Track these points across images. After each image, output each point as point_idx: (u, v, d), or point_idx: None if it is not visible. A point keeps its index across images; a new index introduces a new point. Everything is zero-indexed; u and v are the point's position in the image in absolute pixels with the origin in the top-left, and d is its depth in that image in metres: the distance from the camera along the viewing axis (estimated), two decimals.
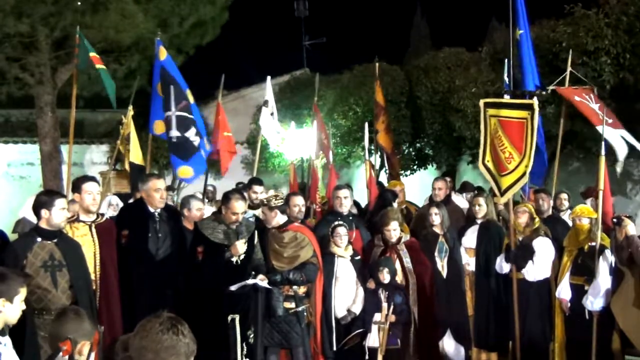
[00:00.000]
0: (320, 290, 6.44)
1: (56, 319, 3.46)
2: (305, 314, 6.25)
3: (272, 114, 9.24)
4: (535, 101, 6.31)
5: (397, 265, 6.46)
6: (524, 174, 6.17)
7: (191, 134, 7.52)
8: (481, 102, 6.46)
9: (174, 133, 7.51)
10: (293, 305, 6.11)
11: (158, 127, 8.07)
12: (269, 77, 9.42)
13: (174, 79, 7.70)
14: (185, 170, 7.54)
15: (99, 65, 7.94)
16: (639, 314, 5.60)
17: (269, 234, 6.23)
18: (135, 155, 8.24)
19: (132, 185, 7.77)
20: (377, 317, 6.21)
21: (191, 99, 7.70)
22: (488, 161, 6.38)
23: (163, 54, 7.93)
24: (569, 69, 8.26)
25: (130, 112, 7.88)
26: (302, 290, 6.17)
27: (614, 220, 5.81)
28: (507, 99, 6.48)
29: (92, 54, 7.99)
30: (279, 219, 6.23)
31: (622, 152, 7.53)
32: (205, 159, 7.72)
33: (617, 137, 7.53)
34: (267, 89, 9.33)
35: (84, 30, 11.16)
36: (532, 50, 7.03)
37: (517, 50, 6.91)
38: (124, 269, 5.68)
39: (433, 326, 6.59)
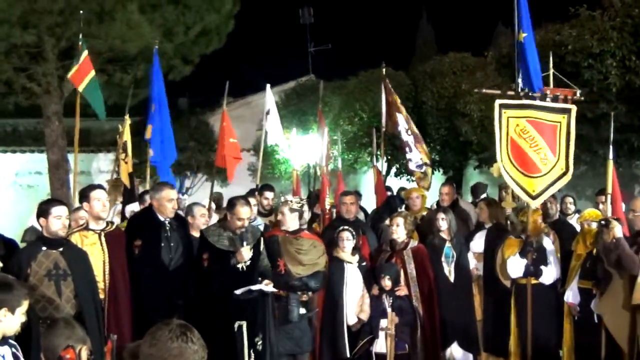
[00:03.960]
0: (321, 297, 6.50)
1: (47, 331, 3.46)
2: (314, 319, 6.32)
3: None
4: (573, 107, 6.24)
5: (401, 272, 6.46)
6: (562, 175, 6.12)
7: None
8: (496, 103, 6.25)
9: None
10: (305, 311, 6.18)
11: (149, 132, 8.23)
12: (268, 86, 9.41)
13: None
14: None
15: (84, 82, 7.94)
16: (626, 315, 5.60)
17: (282, 239, 6.23)
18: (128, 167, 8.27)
19: (126, 194, 7.76)
20: (383, 323, 6.21)
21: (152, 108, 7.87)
22: (506, 164, 6.17)
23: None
24: (552, 70, 8.22)
25: (127, 121, 7.90)
26: (311, 295, 6.24)
27: (602, 222, 5.79)
28: (536, 102, 6.35)
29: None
30: (295, 223, 6.27)
31: None
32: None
33: None
34: (268, 98, 9.32)
35: (91, 40, 11.25)
36: (536, 53, 7.02)
37: (522, 53, 6.89)
38: (136, 279, 5.66)
39: (435, 334, 6.56)
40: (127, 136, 7.73)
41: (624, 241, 5.50)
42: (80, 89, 7.92)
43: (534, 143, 6.13)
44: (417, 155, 8.90)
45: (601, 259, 6.03)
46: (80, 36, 8.11)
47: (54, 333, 3.38)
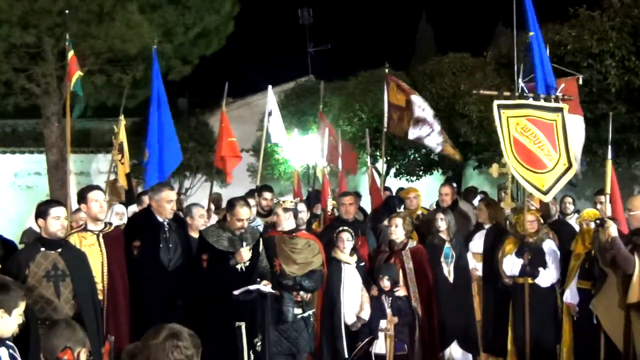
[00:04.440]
0: (320, 297, 6.50)
1: (48, 331, 3.45)
2: (311, 319, 6.32)
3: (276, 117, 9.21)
4: (565, 105, 6.37)
5: (400, 272, 6.46)
6: (566, 170, 6.20)
7: None
8: (495, 104, 6.28)
9: None
10: (300, 311, 6.18)
11: None
12: (270, 87, 9.39)
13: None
14: None
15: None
16: (620, 314, 5.63)
17: (278, 239, 6.24)
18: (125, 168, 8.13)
19: (126, 195, 7.68)
20: (383, 324, 6.21)
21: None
22: (512, 162, 6.18)
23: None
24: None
25: (122, 121, 7.81)
26: (308, 296, 6.23)
27: (597, 221, 5.81)
28: (531, 101, 6.41)
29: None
30: (290, 222, 6.27)
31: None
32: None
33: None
34: (270, 99, 9.31)
35: (90, 40, 11.25)
36: (545, 52, 7.08)
37: (529, 52, 6.95)
38: (135, 280, 5.66)
39: (434, 334, 6.56)
40: (122, 137, 7.63)
41: (620, 240, 5.51)
42: (71, 87, 7.83)
43: (537, 140, 6.22)
44: (436, 139, 8.61)
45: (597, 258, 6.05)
46: (67, 36, 7.97)
47: (55, 334, 3.38)
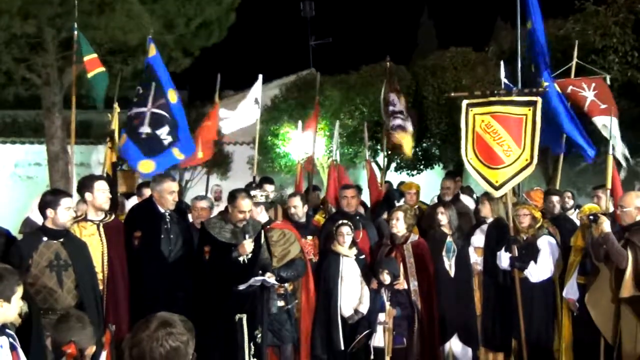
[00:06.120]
0: (309, 289, 6.54)
1: (59, 324, 3.44)
2: (294, 310, 6.40)
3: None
4: (539, 99, 6.40)
5: (401, 266, 6.46)
6: (526, 166, 6.32)
7: (163, 132, 7.43)
8: (464, 103, 6.48)
9: (145, 129, 7.37)
10: (283, 303, 6.26)
11: None
12: (260, 76, 9.39)
13: (157, 77, 7.66)
14: (146, 164, 7.24)
15: (95, 71, 7.72)
16: (611, 308, 5.66)
17: None
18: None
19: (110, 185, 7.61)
20: (382, 317, 6.21)
21: (172, 99, 7.63)
22: (471, 158, 6.45)
23: (152, 51, 7.87)
24: (575, 60, 8.25)
25: (117, 110, 7.78)
26: (290, 287, 6.32)
27: (590, 217, 5.83)
28: (501, 97, 6.46)
29: (88, 58, 7.79)
30: (263, 216, 6.30)
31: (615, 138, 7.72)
32: (173, 157, 7.59)
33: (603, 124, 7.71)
34: (257, 87, 9.29)
35: (91, 31, 11.20)
36: (544, 42, 7.11)
37: (530, 42, 6.97)
38: (135, 270, 5.66)
39: (434, 329, 6.56)
40: (115, 125, 7.61)
41: (613, 236, 5.53)
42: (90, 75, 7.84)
43: (498, 136, 6.37)
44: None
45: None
46: (75, 25, 7.95)
47: (66, 329, 3.38)
